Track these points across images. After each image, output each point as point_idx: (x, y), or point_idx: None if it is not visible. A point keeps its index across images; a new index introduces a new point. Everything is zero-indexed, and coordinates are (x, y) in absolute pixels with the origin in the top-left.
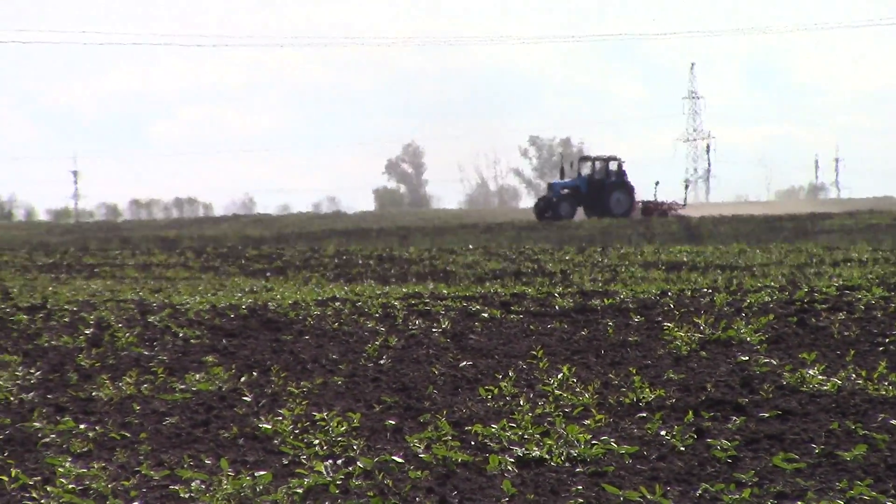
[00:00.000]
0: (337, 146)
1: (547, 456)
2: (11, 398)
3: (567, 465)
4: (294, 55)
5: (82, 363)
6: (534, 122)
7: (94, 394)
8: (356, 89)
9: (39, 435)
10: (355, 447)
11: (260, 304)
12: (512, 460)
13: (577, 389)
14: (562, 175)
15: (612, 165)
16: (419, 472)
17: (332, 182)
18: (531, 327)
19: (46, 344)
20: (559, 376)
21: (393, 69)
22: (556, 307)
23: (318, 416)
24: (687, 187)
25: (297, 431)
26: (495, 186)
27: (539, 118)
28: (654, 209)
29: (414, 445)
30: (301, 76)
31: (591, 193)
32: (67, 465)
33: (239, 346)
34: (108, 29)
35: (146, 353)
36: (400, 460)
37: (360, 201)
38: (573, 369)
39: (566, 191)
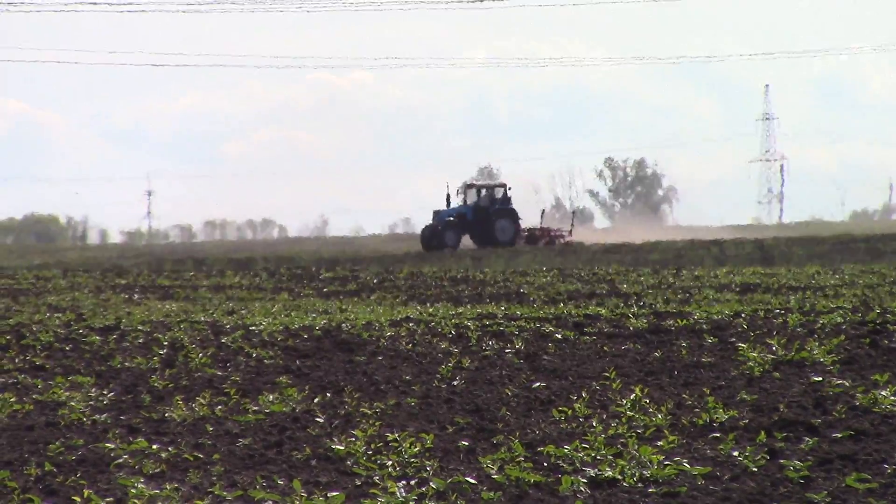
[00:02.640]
0: (411, 168)
1: (619, 477)
2: (85, 419)
3: (640, 485)
4: (368, 77)
5: (155, 384)
6: (609, 143)
7: (167, 415)
8: (431, 111)
9: (112, 456)
10: (428, 468)
11: (334, 325)
12: (584, 481)
13: (650, 410)
14: (448, 203)
15: (498, 193)
16: (492, 494)
17: (406, 203)
18: (604, 348)
19: (120, 365)
20: (632, 397)
21: (468, 90)
22: (630, 328)
23: (391, 437)
24: (574, 215)
25: (370, 452)
26: (570, 208)
27: (614, 139)
28: (540, 237)
29: (487, 466)
30: (376, 98)
31: (476, 221)
32: (140, 485)
33: (312, 366)
34: (182, 50)
35: (219, 373)
36: (473, 481)
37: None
38: (646, 390)
39: (451, 219)
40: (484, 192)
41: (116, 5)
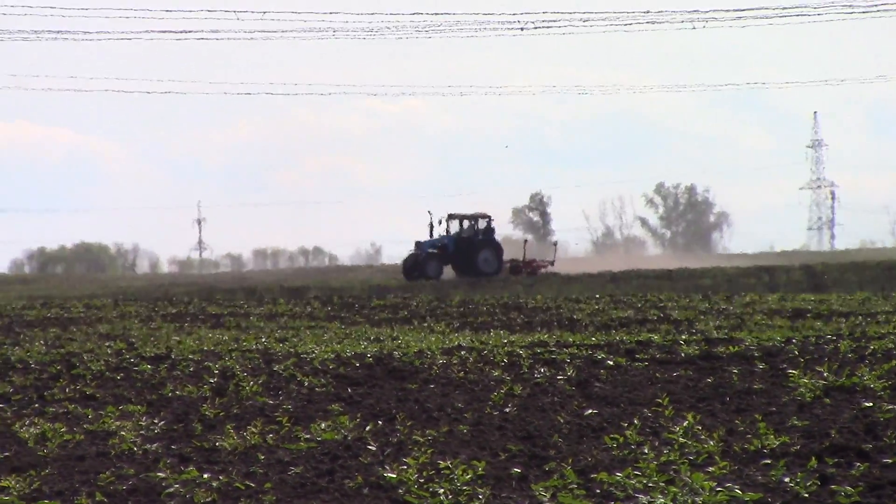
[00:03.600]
0: (463, 195)
1: (672, 503)
2: (136, 448)
3: None
4: (419, 104)
5: (206, 413)
6: (660, 170)
7: (218, 443)
8: (482, 138)
9: (163, 485)
10: (480, 496)
11: (385, 352)
12: None
13: (702, 437)
14: (430, 233)
15: (481, 223)
16: None
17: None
18: (656, 375)
19: (170, 394)
20: (684, 424)
21: (520, 117)
22: (682, 355)
23: (443, 464)
24: (556, 244)
25: (422, 480)
26: (621, 235)
27: (665, 167)
28: (523, 268)
29: (539, 494)
30: (426, 125)
31: (458, 252)
32: None
33: (364, 394)
34: (231, 79)
35: (271, 402)
36: None
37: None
38: (698, 417)
39: (433, 250)
40: (466, 222)
41: (165, 33)
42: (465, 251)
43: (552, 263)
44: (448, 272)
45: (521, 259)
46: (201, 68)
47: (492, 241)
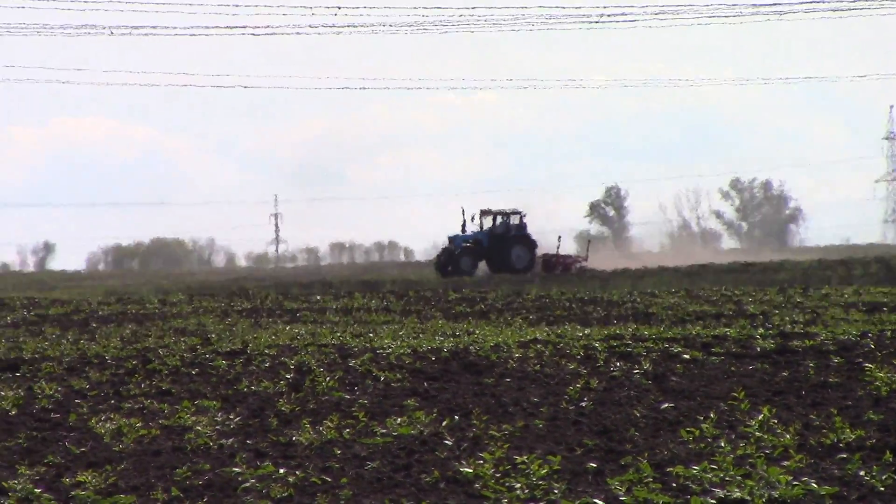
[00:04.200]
0: (538, 189)
1: (748, 497)
2: (211, 443)
3: None
4: (493, 98)
5: (282, 408)
6: (735, 164)
7: (294, 438)
8: (557, 132)
9: (239, 480)
10: (556, 490)
11: (461, 347)
12: (713, 502)
13: (778, 430)
14: (463, 228)
15: (514, 219)
16: None
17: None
18: (732, 369)
19: (246, 389)
20: (760, 417)
21: (595, 111)
22: (757, 348)
23: (519, 459)
24: (589, 241)
25: (498, 475)
26: (697, 229)
27: (741, 160)
28: (557, 264)
29: (615, 488)
30: (501, 119)
31: (492, 248)
32: None
33: (440, 389)
34: (307, 74)
35: (347, 397)
36: (601, 503)
37: (563, 244)
38: (774, 410)
39: (467, 245)
40: (500, 218)
41: (241, 29)
42: (498, 247)
43: (586, 259)
44: (482, 268)
45: (555, 255)
46: (277, 63)
47: (525, 237)
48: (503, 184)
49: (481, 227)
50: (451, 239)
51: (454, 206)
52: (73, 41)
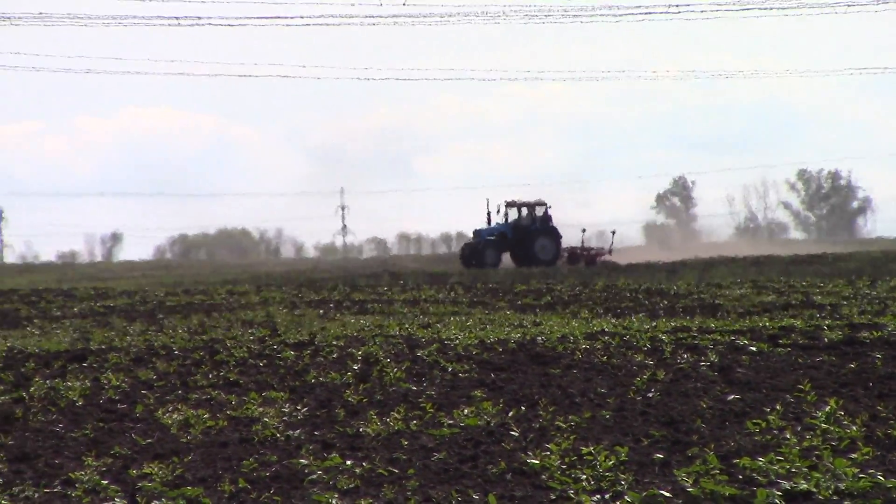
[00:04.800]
0: (606, 180)
1: (814, 489)
2: (278, 435)
3: (835, 498)
4: (562, 89)
5: (350, 399)
6: (803, 154)
7: (361, 430)
8: (625, 123)
9: (306, 471)
10: (623, 482)
11: (528, 338)
12: (779, 494)
13: (845, 422)
14: (488, 221)
15: (538, 211)
16: None
17: (600, 216)
18: (799, 360)
19: (314, 380)
20: (826, 409)
21: (662, 102)
22: (825, 340)
23: (585, 450)
24: (613, 233)
25: (564, 466)
26: (764, 220)
27: (808, 151)
28: (581, 256)
29: (682, 479)
30: (569, 110)
31: (516, 240)
32: (334, 501)
33: (507, 380)
34: (375, 64)
35: (414, 388)
36: (668, 494)
37: (629, 235)
38: (841, 402)
39: (492, 237)
40: (524, 210)
41: (311, 18)
42: (522, 239)
43: (610, 252)
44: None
45: (580, 247)
46: (345, 54)
47: (549, 229)
48: (572, 174)
49: (506, 220)
50: (476, 232)
51: (522, 196)
52: (141, 31)
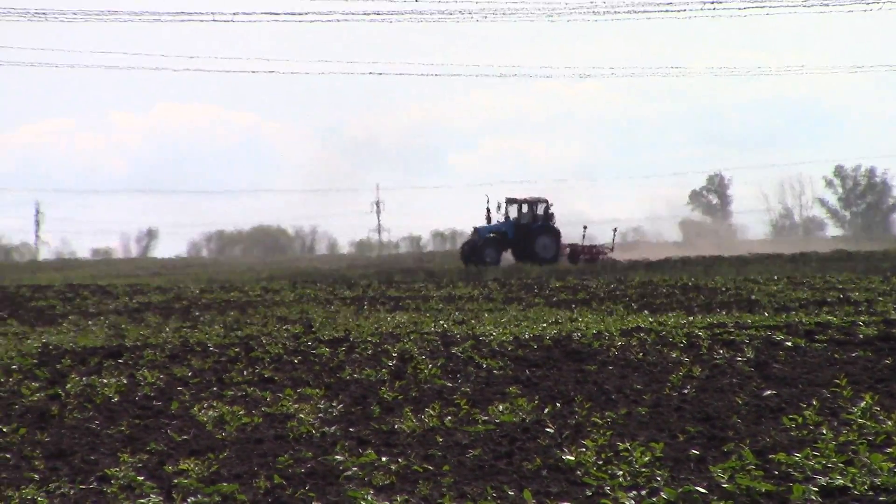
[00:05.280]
0: (640, 177)
1: (850, 484)
2: (314, 431)
3: (870, 493)
4: (597, 86)
5: (385, 395)
6: (839, 152)
7: (396, 426)
8: (661, 119)
9: (341, 468)
10: (659, 478)
11: (564, 334)
12: (815, 489)
13: (881, 417)
14: (488, 218)
15: (539, 208)
16: (722, 503)
17: (635, 212)
18: (835, 356)
19: (349, 377)
20: (862, 404)
21: (697, 99)
22: (860, 336)
23: (621, 446)
24: (615, 230)
25: (600, 462)
26: (800, 217)
27: (845, 148)
28: (582, 253)
29: (717, 475)
30: (605, 107)
31: (517, 238)
32: (370, 497)
33: (542, 376)
34: (409, 60)
35: (449, 384)
36: (703, 490)
37: (665, 232)
38: (876, 397)
39: (492, 235)
40: (525, 207)
41: (342, 15)
42: (523, 237)
43: (612, 250)
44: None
45: (581, 245)
46: (379, 50)
47: (550, 227)
48: (607, 171)
49: (507, 217)
50: (476, 230)
51: (558, 193)
52: (175, 28)
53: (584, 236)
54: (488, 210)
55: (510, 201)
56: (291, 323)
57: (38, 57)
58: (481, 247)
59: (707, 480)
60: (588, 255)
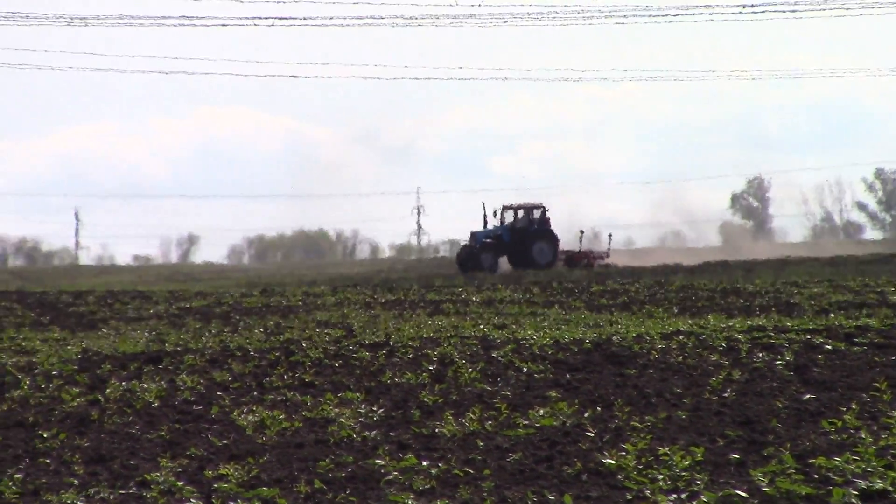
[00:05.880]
0: (681, 180)
1: (890, 488)
2: (354, 435)
3: None
4: (638, 90)
5: (425, 399)
6: (880, 154)
7: (436, 430)
8: (701, 123)
9: (382, 472)
10: (699, 482)
11: (604, 338)
12: (855, 493)
13: None
14: (485, 224)
15: (536, 214)
16: None
17: (675, 216)
18: (875, 359)
19: (389, 381)
20: None
21: (736, 102)
22: None
23: (661, 450)
24: (610, 235)
25: (640, 466)
26: (840, 220)
27: (885, 151)
28: (579, 259)
29: (758, 479)
30: (646, 111)
31: (513, 243)
32: (410, 501)
33: (583, 380)
34: (452, 64)
35: (489, 388)
36: (744, 494)
37: (705, 235)
38: None
39: (488, 240)
40: (521, 213)
41: (384, 19)
42: (519, 242)
43: (608, 255)
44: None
45: (577, 251)
46: (420, 55)
47: (547, 232)
48: (648, 174)
49: (502, 223)
50: (473, 235)
51: (600, 197)
52: (217, 32)
53: (580, 242)
54: (485, 215)
55: (506, 207)
56: (332, 327)
57: (79, 61)
58: (478, 252)
59: (747, 484)
60: (585, 261)
